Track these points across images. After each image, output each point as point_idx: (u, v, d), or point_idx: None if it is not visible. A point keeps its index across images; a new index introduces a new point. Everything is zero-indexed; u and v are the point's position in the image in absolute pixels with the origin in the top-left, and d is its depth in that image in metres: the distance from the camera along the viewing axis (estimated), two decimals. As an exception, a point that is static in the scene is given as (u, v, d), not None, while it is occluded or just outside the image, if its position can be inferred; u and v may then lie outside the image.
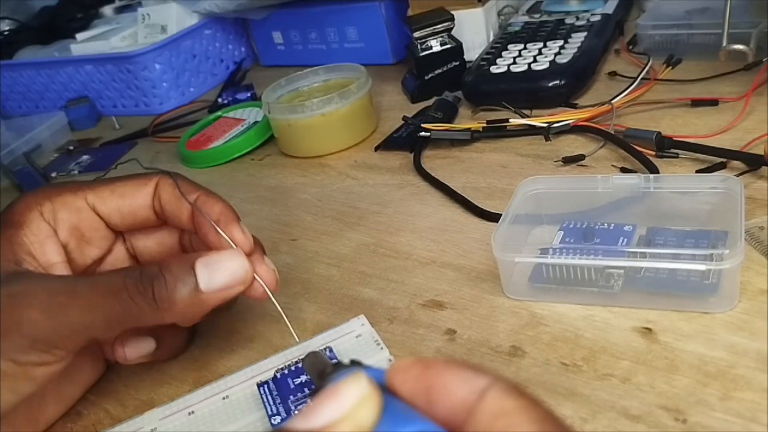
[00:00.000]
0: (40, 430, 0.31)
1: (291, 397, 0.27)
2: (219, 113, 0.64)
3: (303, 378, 0.28)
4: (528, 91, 0.51)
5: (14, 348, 0.26)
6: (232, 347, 0.34)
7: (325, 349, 0.30)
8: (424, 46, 0.57)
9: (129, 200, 0.32)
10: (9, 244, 0.29)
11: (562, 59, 0.52)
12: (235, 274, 0.28)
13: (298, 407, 0.27)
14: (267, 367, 0.30)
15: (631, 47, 0.56)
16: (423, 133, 0.49)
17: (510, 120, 0.48)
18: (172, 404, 0.29)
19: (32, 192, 0.32)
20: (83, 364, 0.33)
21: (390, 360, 0.29)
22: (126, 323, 0.28)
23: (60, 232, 0.31)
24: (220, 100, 0.69)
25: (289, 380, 0.28)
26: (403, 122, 0.54)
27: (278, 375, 0.29)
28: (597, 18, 0.57)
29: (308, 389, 0.28)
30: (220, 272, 0.28)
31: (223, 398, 0.29)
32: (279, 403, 0.27)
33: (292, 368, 0.29)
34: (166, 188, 0.32)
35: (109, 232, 0.33)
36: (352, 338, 0.31)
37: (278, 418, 0.27)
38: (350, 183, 0.48)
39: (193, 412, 0.28)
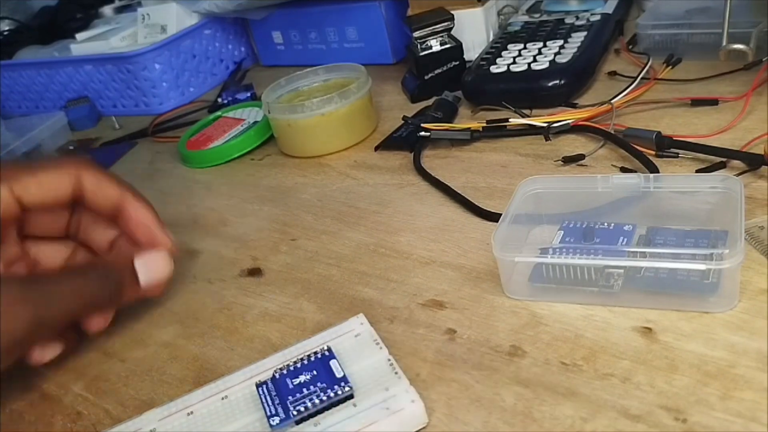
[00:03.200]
0: None
1: (290, 397, 0.27)
2: (219, 113, 0.64)
3: (302, 378, 0.28)
4: (528, 90, 0.51)
5: None
6: (232, 347, 0.35)
7: (324, 348, 0.30)
8: (423, 46, 0.57)
9: (52, 192, 0.34)
10: None
11: (562, 59, 0.52)
12: (165, 272, 0.35)
13: (297, 407, 0.27)
14: (266, 367, 0.30)
15: (630, 47, 0.56)
16: (423, 133, 0.49)
17: (510, 120, 0.48)
18: (171, 404, 0.29)
19: None
20: None
21: (389, 360, 0.29)
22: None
23: None
24: (219, 100, 0.69)
25: (288, 380, 0.28)
26: (402, 122, 0.54)
27: (277, 375, 0.29)
28: (597, 18, 0.57)
29: (306, 389, 0.28)
30: (155, 271, 0.34)
31: (222, 398, 0.29)
32: (278, 404, 0.27)
33: (291, 368, 0.29)
34: (89, 178, 0.34)
35: (14, 222, 0.35)
36: (351, 337, 0.31)
37: (277, 419, 0.27)
38: (350, 183, 0.48)
39: (192, 412, 0.28)
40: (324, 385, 0.28)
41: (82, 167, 0.34)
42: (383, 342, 0.30)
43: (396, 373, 0.28)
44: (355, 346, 0.30)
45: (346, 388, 0.27)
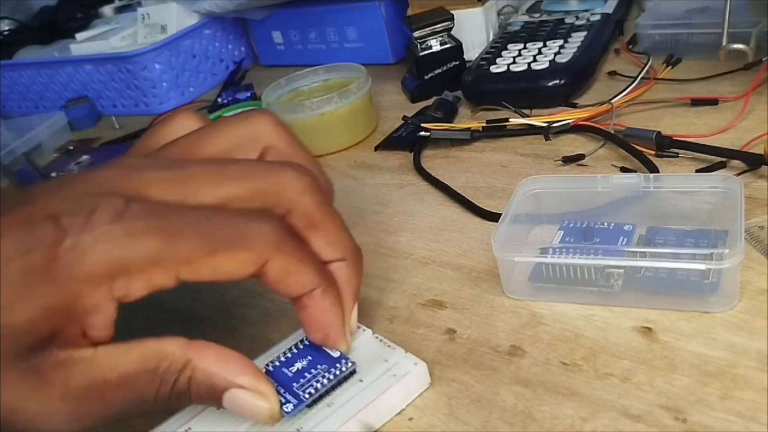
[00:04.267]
0: None
1: (294, 384, 0.27)
2: (219, 113, 0.64)
3: (298, 365, 0.28)
4: (528, 90, 0.51)
5: None
6: (232, 347, 0.34)
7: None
8: (423, 46, 0.57)
9: (224, 277, 0.25)
10: (50, 318, 0.23)
11: (562, 59, 0.52)
12: (257, 419, 0.26)
13: (306, 391, 0.27)
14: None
15: (630, 47, 0.56)
16: (423, 133, 0.49)
17: (510, 119, 0.48)
18: (164, 425, 0.27)
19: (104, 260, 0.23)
20: None
21: (377, 337, 0.29)
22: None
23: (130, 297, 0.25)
24: (219, 99, 0.69)
25: (284, 370, 0.28)
26: (402, 122, 0.54)
27: (270, 367, 0.28)
28: (597, 17, 0.57)
29: (308, 373, 0.27)
30: (243, 412, 0.25)
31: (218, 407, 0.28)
32: (284, 393, 0.27)
33: (282, 359, 0.29)
34: (278, 265, 0.25)
35: None
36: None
37: (290, 406, 0.26)
38: (350, 183, 0.48)
39: (190, 428, 0.27)
40: (325, 366, 0.28)
41: (274, 249, 0.25)
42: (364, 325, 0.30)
43: (389, 345, 0.29)
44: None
45: (348, 364, 0.27)
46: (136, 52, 0.72)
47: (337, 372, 0.27)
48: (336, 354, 0.28)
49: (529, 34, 0.57)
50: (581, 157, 0.43)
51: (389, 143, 0.52)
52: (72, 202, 0.24)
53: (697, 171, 0.38)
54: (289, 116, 0.53)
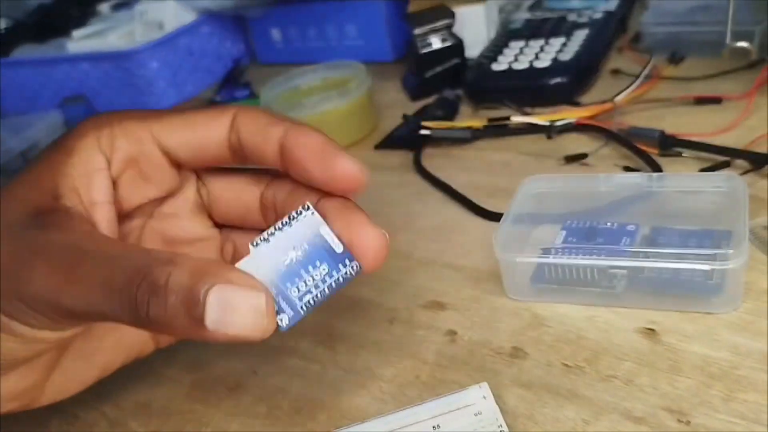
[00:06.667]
0: (40, 403, 0.29)
1: (288, 284, 0.23)
2: (217, 111, 0.63)
3: (293, 255, 0.23)
4: (530, 88, 0.51)
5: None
6: (231, 347, 0.34)
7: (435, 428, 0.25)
8: (424, 44, 0.57)
9: (201, 132, 0.27)
10: (51, 173, 0.26)
11: (565, 56, 0.52)
12: (250, 324, 0.22)
13: (305, 300, 0.23)
14: None
15: (634, 44, 0.56)
16: (423, 132, 0.49)
17: (511, 118, 0.47)
18: None
19: (94, 117, 0.28)
20: (102, 344, 0.29)
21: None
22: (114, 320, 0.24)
23: (113, 164, 0.27)
24: (217, 97, 0.69)
25: (274, 253, 0.23)
26: (403, 120, 0.53)
27: (253, 243, 0.23)
28: (599, 15, 0.57)
29: (305, 271, 0.23)
30: (234, 315, 0.21)
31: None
32: (276, 294, 0.22)
33: (265, 237, 0.23)
34: (246, 120, 0.27)
35: (172, 172, 0.29)
36: (470, 415, 0.25)
37: (285, 318, 0.22)
38: (350, 181, 0.48)
39: None
40: (326, 265, 0.23)
41: (239, 109, 0.28)
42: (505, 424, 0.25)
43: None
44: (469, 426, 0.25)
45: (354, 265, 0.23)
46: (133, 49, 0.71)
47: (341, 278, 0.23)
48: (339, 249, 0.23)
49: (532, 31, 0.57)
50: (584, 156, 0.42)
51: (389, 142, 0.52)
52: None
53: (701, 170, 0.38)
54: (287, 114, 0.53)
